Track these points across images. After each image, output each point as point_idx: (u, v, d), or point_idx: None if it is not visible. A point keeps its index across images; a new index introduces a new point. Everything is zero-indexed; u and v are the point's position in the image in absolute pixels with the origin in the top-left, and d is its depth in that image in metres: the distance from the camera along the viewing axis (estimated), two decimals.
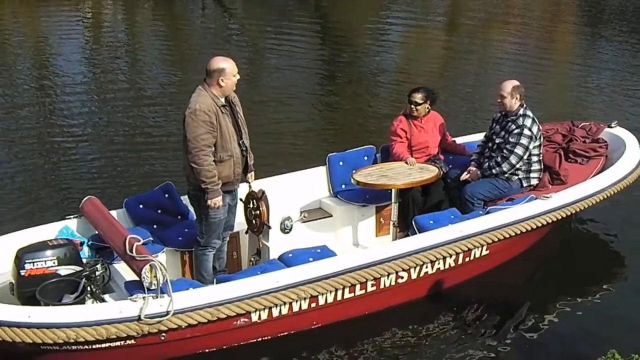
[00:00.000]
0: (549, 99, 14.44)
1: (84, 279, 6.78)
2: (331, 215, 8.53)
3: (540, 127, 8.41)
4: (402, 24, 22.21)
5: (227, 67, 6.95)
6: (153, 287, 6.47)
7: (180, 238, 7.77)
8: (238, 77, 7.08)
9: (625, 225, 9.37)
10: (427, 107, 8.65)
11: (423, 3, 23.23)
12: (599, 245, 9.08)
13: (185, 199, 8.09)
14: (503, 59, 17.99)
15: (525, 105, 8.30)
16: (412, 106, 8.54)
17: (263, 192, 7.54)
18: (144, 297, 6.42)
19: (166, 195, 8.08)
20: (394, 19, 22.94)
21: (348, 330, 7.34)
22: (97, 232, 7.56)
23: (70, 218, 7.80)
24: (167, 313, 6.44)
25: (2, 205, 10.08)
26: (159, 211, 8.03)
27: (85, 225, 7.73)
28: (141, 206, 7.98)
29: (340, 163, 8.79)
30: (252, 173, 7.53)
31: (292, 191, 8.28)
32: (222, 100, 7.01)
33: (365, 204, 8.62)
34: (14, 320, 6.30)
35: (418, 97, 8.54)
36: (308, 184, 8.66)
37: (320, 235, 8.28)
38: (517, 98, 8.27)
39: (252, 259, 7.89)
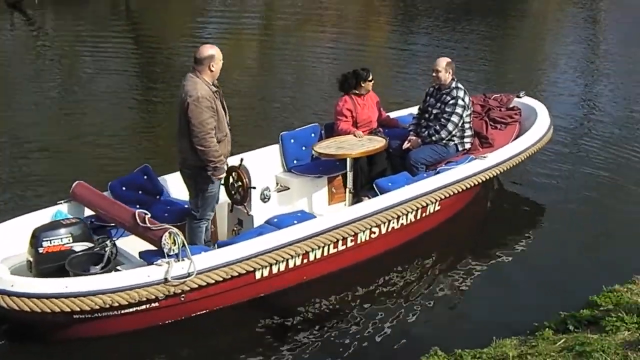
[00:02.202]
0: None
1: (109, 251, 7.35)
2: (288, 188, 9.35)
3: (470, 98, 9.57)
4: (217, 27, 22.69)
5: (215, 53, 7.68)
6: (173, 252, 7.13)
7: (166, 214, 8.36)
8: (222, 61, 7.82)
9: (541, 182, 10.89)
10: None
11: (237, 6, 23.70)
12: (518, 201, 10.44)
13: (162, 179, 8.77)
14: (319, 54, 19.03)
15: (456, 80, 9.44)
16: (369, 82, 9.54)
17: (241, 161, 8.30)
18: (168, 262, 7.07)
19: (145, 177, 8.67)
20: (210, 22, 23.43)
21: (333, 282, 8.24)
22: (91, 213, 8.11)
23: (61, 203, 8.27)
24: (190, 274, 7.13)
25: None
26: (140, 192, 8.61)
27: (77, 208, 8.25)
28: (124, 188, 8.55)
29: (292, 140, 9.65)
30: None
31: (254, 167, 9.01)
32: (212, 86, 7.74)
33: (320, 175, 9.49)
34: (52, 292, 6.83)
35: (370, 75, 9.54)
36: (263, 161, 9.40)
37: (280, 207, 9.07)
38: (449, 72, 9.43)
39: (235, 229, 8.65)
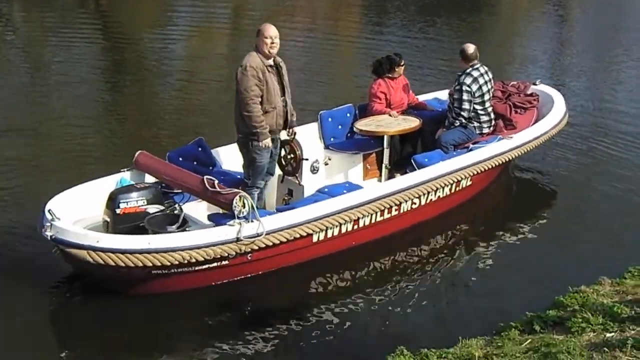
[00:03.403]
0: (341, 82, 15.98)
1: (183, 211, 7.94)
2: (327, 163, 9.96)
3: (488, 85, 10.13)
4: (187, 20, 22.62)
5: (261, 29, 8.32)
6: (242, 214, 7.74)
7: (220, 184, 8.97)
8: (274, 40, 8.29)
9: (557, 166, 11.53)
10: None
11: (206, 8, 23.62)
12: (535, 182, 11.13)
13: (215, 152, 9.36)
14: (290, 47, 18.54)
15: (476, 66, 10.03)
16: (402, 67, 10.22)
17: (294, 135, 8.95)
18: (239, 223, 7.68)
19: (199, 149, 9.27)
20: (179, 16, 23.35)
21: (377, 248, 8.95)
22: (152, 181, 8.68)
23: (124, 171, 8.84)
24: (260, 234, 7.75)
25: (55, 166, 11.17)
26: (195, 162, 9.18)
27: (139, 176, 8.81)
28: (180, 159, 9.11)
29: (330, 119, 10.26)
30: (291, 130, 8.92)
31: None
32: (269, 61, 8.35)
33: (356, 151, 10.13)
34: (136, 248, 7.42)
35: (402, 60, 10.22)
36: (304, 137, 9.96)
37: (321, 179, 9.67)
38: (461, 59, 10.12)
39: (285, 198, 9.28)
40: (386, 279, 8.55)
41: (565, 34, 22.73)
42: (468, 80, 9.93)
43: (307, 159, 9.03)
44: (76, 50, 18.23)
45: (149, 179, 8.82)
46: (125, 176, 8.78)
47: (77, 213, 8.21)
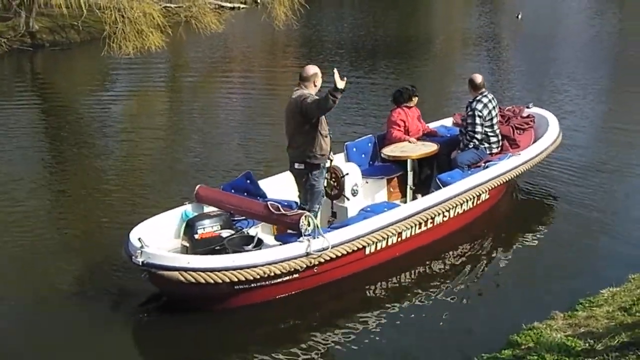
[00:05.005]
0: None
1: (257, 233, 8.92)
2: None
3: (495, 109, 11.38)
4: (124, 85, 23.44)
5: (318, 71, 9.30)
6: (308, 232, 8.75)
7: None
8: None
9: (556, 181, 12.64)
10: None
11: (143, 64, 24.48)
12: (535, 194, 12.33)
13: (261, 183, 10.35)
14: (227, 103, 20.17)
15: (485, 94, 11.28)
16: (416, 97, 11.41)
17: (331, 161, 9.89)
18: (308, 239, 8.69)
19: (248, 181, 10.25)
20: (117, 82, 23.99)
21: (417, 258, 9.98)
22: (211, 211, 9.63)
23: (186, 204, 9.78)
24: (325, 248, 8.77)
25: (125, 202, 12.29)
26: (245, 194, 10.15)
27: (198, 208, 9.75)
28: (232, 190, 10.10)
29: (354, 149, 11.39)
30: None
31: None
32: None
33: (381, 177, 11.24)
34: (223, 266, 8.37)
35: (416, 91, 11.42)
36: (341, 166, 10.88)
37: (358, 202, 10.65)
38: (470, 88, 11.34)
39: (330, 219, 10.30)
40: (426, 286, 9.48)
41: (503, 73, 23.74)
42: (479, 106, 11.11)
43: (347, 174, 10.03)
44: (10, 118, 18.57)
45: (207, 209, 9.75)
46: (188, 209, 9.71)
47: (153, 242, 9.10)
